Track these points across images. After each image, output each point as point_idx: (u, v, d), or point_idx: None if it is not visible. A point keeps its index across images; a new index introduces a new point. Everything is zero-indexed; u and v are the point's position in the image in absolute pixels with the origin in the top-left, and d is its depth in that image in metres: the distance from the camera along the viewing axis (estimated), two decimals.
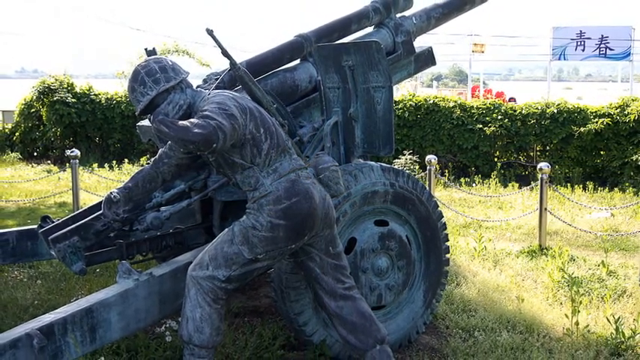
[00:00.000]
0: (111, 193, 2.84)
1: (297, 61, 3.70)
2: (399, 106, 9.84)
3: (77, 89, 11.31)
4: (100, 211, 2.92)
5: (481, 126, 9.43)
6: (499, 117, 9.42)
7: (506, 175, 9.25)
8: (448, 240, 3.50)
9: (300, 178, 2.64)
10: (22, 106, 11.52)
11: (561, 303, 4.02)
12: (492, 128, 9.33)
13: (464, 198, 7.77)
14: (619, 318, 3.41)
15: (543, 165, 5.58)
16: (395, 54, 3.98)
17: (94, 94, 11.32)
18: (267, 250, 2.60)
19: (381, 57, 3.00)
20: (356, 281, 2.96)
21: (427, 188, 3.44)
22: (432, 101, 9.87)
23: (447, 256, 3.49)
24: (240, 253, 2.60)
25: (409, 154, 9.01)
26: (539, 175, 5.57)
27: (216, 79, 3.19)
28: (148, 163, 2.97)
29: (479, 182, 8.85)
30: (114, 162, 10.06)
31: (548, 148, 9.43)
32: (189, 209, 3.38)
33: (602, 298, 4.05)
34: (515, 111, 9.46)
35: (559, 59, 17.94)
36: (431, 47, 4.26)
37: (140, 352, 2.98)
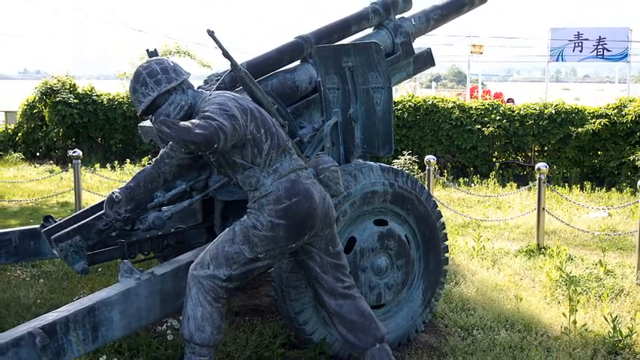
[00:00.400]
0: (113, 192, 2.86)
1: (298, 63, 3.73)
2: (398, 107, 9.87)
3: (79, 90, 11.34)
4: (102, 211, 2.94)
5: (480, 126, 9.47)
6: (497, 117, 9.46)
7: (504, 175, 9.29)
8: (447, 239, 3.52)
9: (300, 178, 2.66)
10: (25, 107, 11.55)
11: (559, 302, 4.05)
12: (491, 129, 9.37)
13: (462, 198, 7.81)
14: (616, 317, 3.44)
15: (541, 165, 5.62)
16: (394, 55, 4.01)
17: (96, 95, 11.35)
18: (267, 250, 2.63)
19: (381, 58, 3.03)
20: (355, 280, 2.99)
21: (426, 188, 3.46)
22: (430, 102, 9.91)
23: (446, 255, 3.52)
24: (241, 252, 2.63)
25: (408, 155, 9.05)
26: (537, 175, 5.60)
27: (217, 80, 3.22)
28: (150, 164, 3.00)
29: (477, 182, 8.89)
30: (116, 162, 10.08)
31: (546, 148, 9.47)
32: (191, 209, 3.40)
33: (600, 297, 4.08)
34: (513, 112, 9.50)
35: (557, 60, 18.03)
36: (430, 48, 4.29)
37: (142, 350, 3.00)
